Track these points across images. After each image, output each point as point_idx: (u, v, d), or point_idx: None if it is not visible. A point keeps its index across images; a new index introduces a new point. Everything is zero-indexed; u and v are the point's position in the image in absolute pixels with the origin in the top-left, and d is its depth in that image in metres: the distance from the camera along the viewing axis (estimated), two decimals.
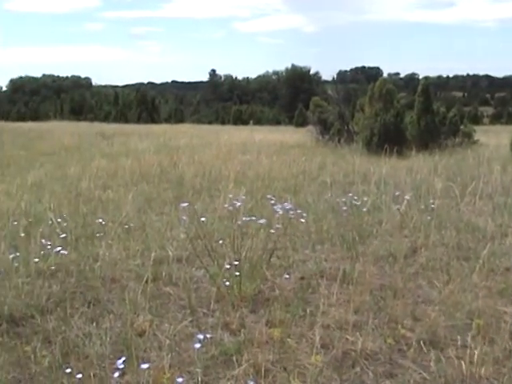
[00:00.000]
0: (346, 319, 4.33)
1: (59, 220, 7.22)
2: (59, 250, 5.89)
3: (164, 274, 5.44)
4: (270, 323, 4.33)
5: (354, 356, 3.87)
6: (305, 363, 3.73)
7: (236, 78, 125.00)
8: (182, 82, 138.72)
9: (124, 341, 4.06)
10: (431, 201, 7.86)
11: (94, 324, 4.43)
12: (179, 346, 4.01)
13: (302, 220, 6.83)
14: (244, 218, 6.50)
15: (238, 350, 3.88)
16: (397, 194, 8.29)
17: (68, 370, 3.57)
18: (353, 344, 3.98)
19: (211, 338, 4.00)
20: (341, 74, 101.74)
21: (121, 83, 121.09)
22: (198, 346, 3.64)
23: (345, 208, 7.53)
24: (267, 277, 5.19)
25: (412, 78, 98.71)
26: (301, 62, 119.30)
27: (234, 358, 3.73)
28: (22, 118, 59.47)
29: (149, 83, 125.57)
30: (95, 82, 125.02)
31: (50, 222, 7.19)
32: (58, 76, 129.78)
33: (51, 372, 3.69)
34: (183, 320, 4.43)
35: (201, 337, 3.72)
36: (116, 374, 3.33)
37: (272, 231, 6.12)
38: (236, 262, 5.09)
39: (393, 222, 7.08)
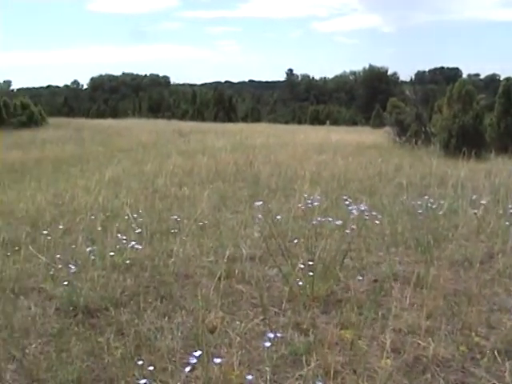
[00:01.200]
0: (419, 324, 4.25)
1: (135, 215, 7.35)
2: (134, 245, 6.00)
3: (237, 271, 5.45)
4: (341, 325, 4.29)
5: (425, 362, 3.79)
6: (375, 366, 3.68)
7: (313, 77, 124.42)
8: (259, 82, 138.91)
9: (195, 336, 4.09)
10: (510, 206, 7.64)
11: (166, 318, 4.49)
12: (249, 343, 4.02)
13: (377, 222, 6.76)
14: (319, 218, 6.47)
15: (307, 350, 3.85)
16: (474, 197, 8.10)
17: (140, 362, 3.63)
18: (424, 349, 3.90)
19: (281, 337, 3.99)
20: (419, 74, 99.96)
21: (198, 82, 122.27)
22: (267, 344, 3.63)
23: (420, 211, 7.40)
24: (340, 278, 5.14)
25: (493, 79, 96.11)
26: (378, 62, 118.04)
27: (304, 358, 3.70)
28: (101, 115, 60.80)
29: (226, 82, 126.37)
30: (173, 80, 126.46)
31: (127, 217, 7.32)
32: (137, 74, 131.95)
33: (123, 363, 3.76)
34: (254, 318, 4.43)
35: (271, 335, 3.72)
36: (186, 369, 3.35)
37: (347, 232, 6.07)
38: (309, 262, 5.08)
39: (469, 227, 6.91)
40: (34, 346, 4.17)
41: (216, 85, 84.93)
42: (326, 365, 3.62)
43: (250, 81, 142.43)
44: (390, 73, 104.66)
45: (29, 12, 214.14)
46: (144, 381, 3.34)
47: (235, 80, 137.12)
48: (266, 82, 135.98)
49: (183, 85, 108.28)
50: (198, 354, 3.46)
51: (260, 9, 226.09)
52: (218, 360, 3.43)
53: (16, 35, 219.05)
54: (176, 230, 6.90)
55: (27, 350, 4.09)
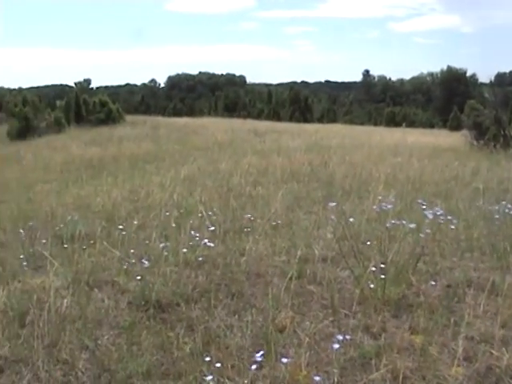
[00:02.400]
0: (492, 332, 4.13)
1: (209, 213, 7.41)
2: (207, 242, 6.05)
3: (308, 272, 5.43)
4: (411, 329, 4.22)
5: (497, 372, 3.67)
6: (445, 374, 3.59)
7: (390, 78, 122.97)
8: (336, 82, 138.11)
9: (264, 335, 4.09)
10: None
11: (236, 316, 4.51)
12: (318, 344, 3.99)
13: (452, 226, 6.63)
14: (392, 221, 6.39)
15: (377, 353, 3.81)
16: None
17: (207, 359, 3.65)
18: (498, 359, 3.78)
19: (351, 339, 3.95)
20: (499, 76, 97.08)
21: (274, 82, 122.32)
22: (336, 346, 3.61)
23: (497, 216, 7.21)
24: (412, 282, 5.06)
25: None
26: (457, 64, 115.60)
27: (373, 362, 3.66)
28: (177, 113, 61.53)
29: (302, 82, 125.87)
30: (249, 80, 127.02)
31: (200, 215, 7.39)
32: (214, 74, 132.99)
33: (192, 358, 3.80)
34: (324, 319, 4.41)
35: (340, 337, 3.69)
36: (254, 367, 3.36)
37: (421, 235, 5.97)
38: (382, 265, 5.02)
39: None
40: (106, 337, 4.27)
41: (292, 85, 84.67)
42: (395, 370, 3.57)
43: (327, 81, 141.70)
44: (468, 74, 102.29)
45: (109, 12, 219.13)
46: (210, 377, 3.36)
47: (311, 80, 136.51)
48: (343, 83, 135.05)
49: (259, 84, 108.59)
50: (265, 352, 3.47)
51: (337, 9, 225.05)
52: (285, 360, 3.43)
53: (96, 35, 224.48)
54: (249, 229, 6.93)
55: (99, 341, 4.19)
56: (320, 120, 56.10)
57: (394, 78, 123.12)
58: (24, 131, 34.70)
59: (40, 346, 4.06)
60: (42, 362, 3.89)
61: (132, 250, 6.08)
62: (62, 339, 4.15)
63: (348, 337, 3.89)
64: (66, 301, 4.75)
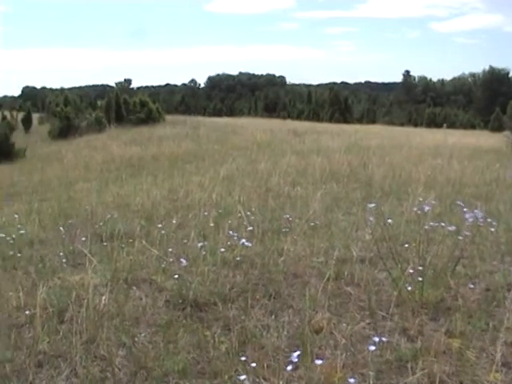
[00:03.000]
0: None
1: (247, 213, 7.41)
2: (245, 242, 6.05)
3: (346, 273, 5.40)
4: (449, 333, 4.16)
5: None
6: (482, 380, 3.54)
7: (430, 79, 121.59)
8: (376, 83, 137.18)
9: (300, 336, 4.09)
10: None
11: (273, 317, 4.51)
12: (354, 346, 3.97)
13: (492, 229, 6.53)
14: (431, 223, 6.33)
15: (413, 357, 3.77)
16: None
17: (243, 358, 3.66)
18: None
19: (387, 342, 3.92)
20: None
21: (314, 82, 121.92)
22: (372, 348, 3.58)
23: None
24: (451, 285, 5.00)
25: None
26: (500, 64, 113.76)
27: (409, 365, 3.62)
28: (217, 113, 61.89)
29: (342, 83, 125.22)
30: (289, 80, 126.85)
31: (239, 215, 7.40)
32: (254, 74, 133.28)
33: (227, 358, 3.81)
34: (361, 321, 4.38)
35: (376, 339, 3.66)
36: (289, 368, 3.36)
37: (460, 238, 5.91)
38: (420, 268, 4.97)
39: None
40: (143, 334, 4.30)
41: (332, 85, 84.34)
42: (432, 374, 3.53)
43: (366, 82, 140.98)
44: (511, 75, 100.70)
45: (150, 13, 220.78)
46: (244, 376, 3.36)
47: (351, 81, 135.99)
48: (383, 83, 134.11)
49: (299, 85, 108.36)
50: (301, 353, 3.46)
51: (377, 9, 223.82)
52: (321, 361, 3.42)
53: (137, 36, 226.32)
54: (287, 229, 6.92)
55: (136, 338, 4.23)
56: (360, 121, 55.86)
57: (434, 79, 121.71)
58: (65, 130, 35.21)
59: (78, 342, 4.11)
60: (80, 357, 3.94)
61: (170, 249, 6.11)
62: (99, 336, 4.20)
63: (385, 339, 3.85)
64: (104, 298, 4.80)
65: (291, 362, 3.35)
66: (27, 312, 4.69)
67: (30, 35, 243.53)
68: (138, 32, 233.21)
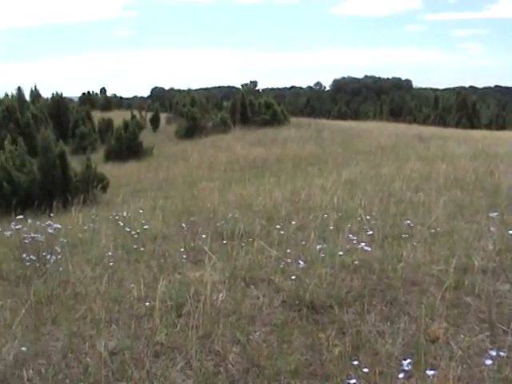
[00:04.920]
0: None
1: (368, 217, 7.34)
2: (364, 247, 6.00)
3: (466, 283, 5.23)
4: None
5: None
6: None
7: None
8: (506, 87, 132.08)
9: (415, 344, 4.01)
10: None
11: (389, 323, 4.44)
12: (471, 359, 3.84)
13: None
14: None
15: None
16: None
17: (355, 363, 3.63)
18: None
19: (507, 357, 3.78)
20: None
21: (441, 86, 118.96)
22: (489, 362, 3.46)
23: None
24: None
25: None
26: None
27: None
28: (342, 116, 61.59)
29: (470, 87, 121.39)
30: (415, 84, 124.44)
31: (359, 219, 7.34)
32: (379, 77, 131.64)
33: (340, 361, 3.80)
34: (479, 333, 4.24)
35: (494, 354, 3.54)
36: (401, 375, 3.31)
37: None
38: None
39: None
40: (258, 333, 4.35)
41: (459, 89, 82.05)
42: None
43: (496, 86, 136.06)
44: None
45: (275, 15, 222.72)
46: (354, 381, 3.34)
47: (480, 85, 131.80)
48: None
49: (425, 89, 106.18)
50: (415, 362, 3.40)
51: (509, 9, 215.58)
52: (435, 371, 3.34)
53: (262, 38, 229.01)
54: (407, 236, 6.80)
55: (251, 336, 4.29)
56: (488, 126, 53.95)
57: None
58: (191, 130, 36.08)
59: (194, 336, 4.22)
60: (195, 351, 4.04)
61: (289, 250, 6.15)
62: (215, 331, 4.29)
63: (504, 354, 3.71)
64: (221, 295, 4.91)
65: (404, 370, 3.30)
66: (147, 304, 4.87)
67: (159, 38, 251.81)
68: (264, 34, 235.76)
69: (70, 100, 51.27)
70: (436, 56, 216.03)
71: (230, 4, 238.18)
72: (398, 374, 3.40)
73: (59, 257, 6.47)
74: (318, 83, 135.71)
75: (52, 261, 6.34)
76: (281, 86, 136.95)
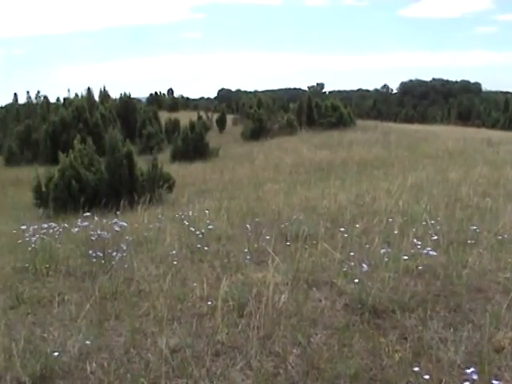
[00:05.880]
0: None
1: (433, 222, 7.25)
2: (429, 251, 5.93)
3: None
4: None
5: None
6: None
7: None
8: None
9: (479, 353, 3.94)
10: None
11: (452, 330, 4.37)
12: None
13: None
14: None
15: None
16: None
17: (416, 369, 3.59)
18: None
19: None
20: None
21: None
22: None
23: None
24: None
25: None
26: None
27: None
28: (409, 120, 60.93)
29: None
30: (485, 87, 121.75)
31: (424, 223, 7.25)
32: (447, 80, 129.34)
33: (400, 367, 3.77)
34: None
35: None
36: None
37: None
38: None
39: None
40: (318, 336, 4.35)
41: None
42: None
43: None
44: None
45: (341, 18, 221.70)
46: None
47: None
48: None
49: (495, 92, 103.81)
50: (478, 371, 3.34)
51: None
52: (499, 382, 3.28)
53: (328, 40, 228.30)
54: (473, 242, 6.68)
55: (312, 339, 4.29)
56: None
57: None
58: (257, 132, 36.24)
59: (255, 337, 4.25)
60: (256, 351, 4.07)
61: (352, 253, 6.12)
62: (276, 333, 4.31)
63: None
64: (283, 296, 4.92)
65: (467, 380, 3.25)
66: (209, 303, 4.92)
67: (226, 40, 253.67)
68: (331, 36, 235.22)
69: (138, 100, 52.28)
70: (507, 58, 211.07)
71: (297, 6, 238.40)
72: (461, 383, 3.34)
73: (124, 254, 6.60)
74: (385, 86, 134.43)
75: (117, 258, 6.48)
76: (347, 88, 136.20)
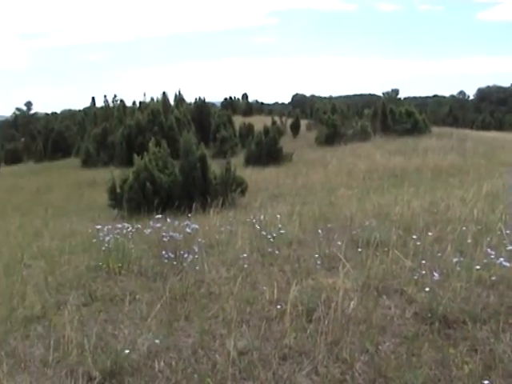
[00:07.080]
0: None
1: (508, 232, 7.09)
2: (503, 262, 5.79)
3: None
4: None
5: None
6: None
7: None
8: None
9: None
10: None
11: None
12: None
13: None
14: None
15: None
16: None
17: (486, 382, 3.52)
18: None
19: None
20: None
21: None
22: None
23: None
24: None
25: None
26: None
27: None
28: (486, 127, 59.63)
29: None
30: None
31: (499, 233, 7.10)
32: None
33: (469, 379, 3.70)
34: None
35: None
36: None
37: None
38: None
39: None
40: (387, 344, 4.31)
41: None
42: None
43: None
44: None
45: (414, 22, 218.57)
46: None
47: None
48: None
49: None
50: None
51: None
52: None
53: (403, 45, 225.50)
54: None
55: (380, 347, 4.25)
56: None
57: None
58: (331, 137, 36.20)
59: (323, 343, 4.24)
60: (323, 357, 4.07)
61: (424, 261, 6.03)
62: (344, 339, 4.29)
63: None
64: (353, 303, 4.89)
65: None
66: (278, 307, 4.94)
67: (301, 45, 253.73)
68: (406, 42, 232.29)
69: (213, 105, 52.86)
70: None
71: (372, 11, 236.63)
72: None
73: (196, 256, 6.68)
74: (462, 92, 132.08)
75: (189, 260, 6.57)
76: (423, 94, 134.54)
